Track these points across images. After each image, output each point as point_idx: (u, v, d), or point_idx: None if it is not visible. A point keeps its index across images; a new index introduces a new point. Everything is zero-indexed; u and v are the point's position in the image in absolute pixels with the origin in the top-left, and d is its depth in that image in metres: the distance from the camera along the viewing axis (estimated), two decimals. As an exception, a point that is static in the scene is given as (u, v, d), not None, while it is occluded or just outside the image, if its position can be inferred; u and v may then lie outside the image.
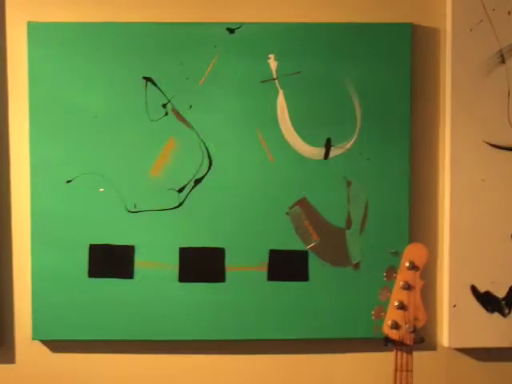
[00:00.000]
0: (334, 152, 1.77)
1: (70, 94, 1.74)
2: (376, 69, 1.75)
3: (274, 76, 1.76)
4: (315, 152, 1.77)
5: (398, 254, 1.46)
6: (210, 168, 1.76)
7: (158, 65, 1.74)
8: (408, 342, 1.46)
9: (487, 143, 1.79)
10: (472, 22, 1.76)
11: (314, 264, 1.77)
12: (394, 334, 1.46)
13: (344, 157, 1.77)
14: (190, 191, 1.76)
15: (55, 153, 1.75)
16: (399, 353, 1.46)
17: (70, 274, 1.75)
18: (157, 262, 1.76)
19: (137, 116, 1.75)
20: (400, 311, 1.46)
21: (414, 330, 1.45)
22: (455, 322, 1.79)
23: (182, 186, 1.76)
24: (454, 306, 1.79)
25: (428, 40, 1.80)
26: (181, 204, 1.76)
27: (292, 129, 1.76)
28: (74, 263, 1.75)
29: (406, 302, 1.46)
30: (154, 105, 1.75)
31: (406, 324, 1.45)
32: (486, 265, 1.79)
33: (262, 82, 1.76)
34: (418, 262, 1.46)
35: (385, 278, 1.47)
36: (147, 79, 1.75)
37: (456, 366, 1.84)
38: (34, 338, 1.77)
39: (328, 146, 1.77)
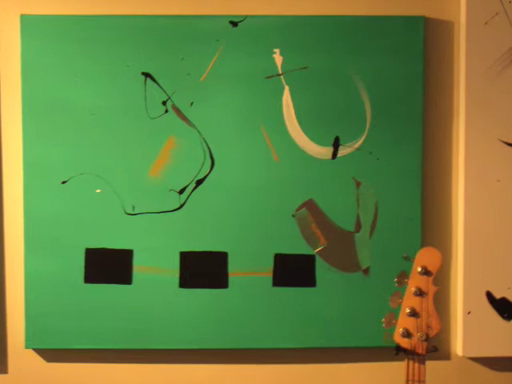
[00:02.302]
0: (342, 151, 1.78)
1: (65, 91, 1.75)
2: (387, 64, 1.76)
3: (280, 71, 1.77)
4: (323, 151, 1.78)
5: (409, 259, 1.47)
6: (212, 168, 1.77)
7: (157, 60, 1.75)
8: (420, 351, 1.46)
9: (503, 142, 1.80)
10: (487, 14, 1.77)
11: (322, 269, 1.78)
12: (405, 343, 1.46)
13: (353, 156, 1.78)
14: (192, 192, 1.77)
15: (49, 152, 1.76)
16: (411, 362, 1.46)
17: (65, 280, 1.76)
18: (156, 266, 1.77)
19: (135, 114, 1.76)
20: (412, 319, 1.46)
21: (427, 339, 1.45)
22: (470, 329, 1.80)
23: (182, 186, 1.77)
24: (469, 313, 1.80)
25: (441, 34, 1.81)
26: (181, 206, 1.77)
27: (298, 127, 1.77)
28: (70, 268, 1.76)
29: (418, 309, 1.46)
30: (154, 102, 1.76)
31: (418, 332, 1.46)
32: (502, 270, 1.80)
33: (267, 77, 1.77)
34: (430, 267, 1.46)
35: (396, 284, 1.47)
36: (146, 75, 1.76)
37: (471, 376, 1.85)
38: (27, 347, 1.78)
39: (336, 145, 1.78)
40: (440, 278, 1.75)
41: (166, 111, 1.77)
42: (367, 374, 1.84)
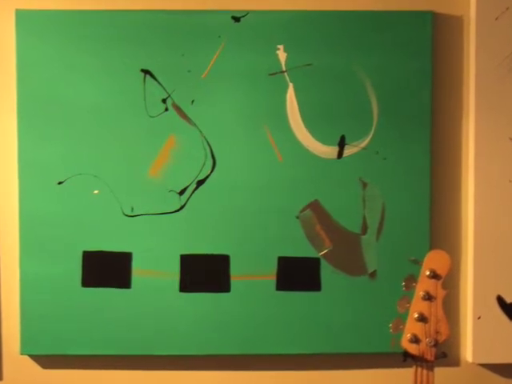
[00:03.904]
0: (348, 151, 1.79)
1: (62, 88, 1.76)
2: (394, 61, 1.77)
3: (283, 68, 1.78)
4: (328, 151, 1.79)
5: (417, 262, 1.47)
6: (213, 168, 1.78)
7: (157, 56, 1.76)
8: (429, 358, 1.46)
9: (514, 141, 1.81)
10: (498, 9, 1.78)
11: (327, 272, 1.79)
12: (413, 349, 1.47)
13: (359, 156, 1.79)
14: (192, 193, 1.78)
15: (46, 151, 1.76)
16: (419, 369, 1.47)
17: (62, 284, 1.77)
18: (156, 270, 1.78)
19: (134, 112, 1.77)
20: (420, 324, 1.47)
21: (436, 344, 1.46)
22: (480, 335, 1.81)
23: (183, 187, 1.78)
24: (479, 318, 1.81)
25: (450, 29, 1.81)
26: (182, 207, 1.78)
27: (303, 126, 1.78)
28: (66, 271, 1.77)
29: (426, 314, 1.46)
30: (153, 100, 1.77)
31: (426, 338, 1.46)
32: (513, 273, 1.81)
33: (270, 74, 1.78)
34: (439, 271, 1.46)
35: (403, 288, 1.48)
36: (146, 72, 1.77)
37: (481, 383, 1.86)
38: (22, 353, 1.79)
39: (342, 144, 1.79)
40: (449, 281, 1.75)
41: (166, 109, 1.78)
42: (374, 380, 1.85)
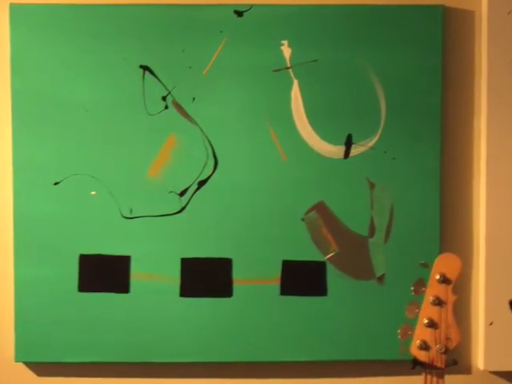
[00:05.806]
0: (355, 150, 1.79)
1: (58, 85, 1.77)
2: (403, 57, 1.77)
3: (288, 64, 1.78)
4: (334, 150, 1.79)
5: (427, 266, 1.48)
6: (215, 168, 1.79)
7: (156, 52, 1.77)
8: (439, 365, 1.46)
9: (528, 140, 1.82)
10: (510, 3, 1.78)
11: (333, 277, 1.79)
12: (422, 356, 1.47)
13: (366, 156, 1.79)
14: (193, 194, 1.79)
15: (41, 151, 1.77)
16: (429, 376, 1.47)
17: (58, 288, 1.78)
18: (155, 274, 1.79)
19: (133, 110, 1.77)
20: (430, 330, 1.47)
21: (446, 351, 1.46)
22: (492, 341, 1.81)
23: (183, 188, 1.79)
24: (491, 323, 1.81)
25: (461, 24, 1.82)
26: (183, 209, 1.79)
27: (308, 124, 1.79)
28: (63, 276, 1.78)
29: (436, 320, 1.47)
30: (153, 97, 1.78)
31: (436, 344, 1.46)
32: (526, 277, 1.82)
33: (274, 71, 1.78)
34: (450, 275, 1.47)
35: (412, 293, 1.48)
36: (145, 68, 1.77)
37: (493, 391, 1.87)
38: (17, 360, 1.79)
39: (348, 143, 1.79)
40: (460, 286, 1.76)
41: (166, 107, 1.78)
42: (382, 389, 1.86)
